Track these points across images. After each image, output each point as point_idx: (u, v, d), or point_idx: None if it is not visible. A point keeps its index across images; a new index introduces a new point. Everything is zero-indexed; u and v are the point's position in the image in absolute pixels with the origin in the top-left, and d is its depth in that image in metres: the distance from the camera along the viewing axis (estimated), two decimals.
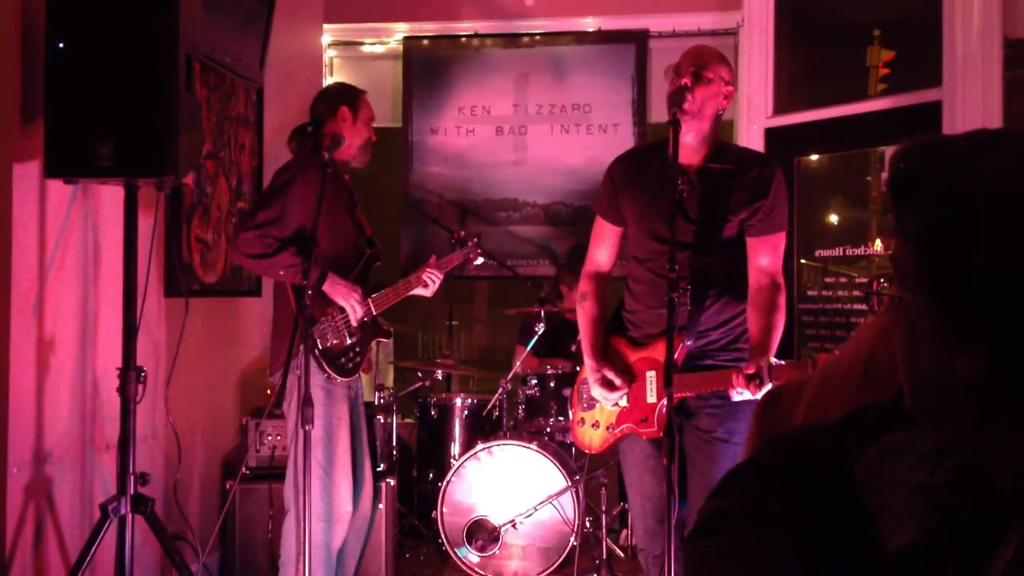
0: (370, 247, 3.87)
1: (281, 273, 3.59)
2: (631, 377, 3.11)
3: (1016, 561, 0.74)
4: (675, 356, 2.79)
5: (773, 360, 2.82)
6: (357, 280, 3.72)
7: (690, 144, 3.00)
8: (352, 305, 3.64)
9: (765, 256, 3.03)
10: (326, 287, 3.61)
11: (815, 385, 1.23)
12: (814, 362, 2.77)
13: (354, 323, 3.67)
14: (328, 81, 6.14)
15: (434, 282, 3.83)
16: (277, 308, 3.75)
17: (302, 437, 3.30)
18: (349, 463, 3.65)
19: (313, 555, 3.43)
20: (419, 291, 3.84)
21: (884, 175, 0.91)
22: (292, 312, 3.54)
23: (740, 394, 2.82)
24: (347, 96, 3.83)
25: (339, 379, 3.62)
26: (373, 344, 3.88)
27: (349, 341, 3.67)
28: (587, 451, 3.35)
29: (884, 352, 1.18)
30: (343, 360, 3.66)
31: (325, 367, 3.60)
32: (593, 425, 3.23)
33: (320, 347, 3.61)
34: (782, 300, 3.00)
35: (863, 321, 1.34)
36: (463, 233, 4.11)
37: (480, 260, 4.15)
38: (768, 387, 2.75)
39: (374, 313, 3.74)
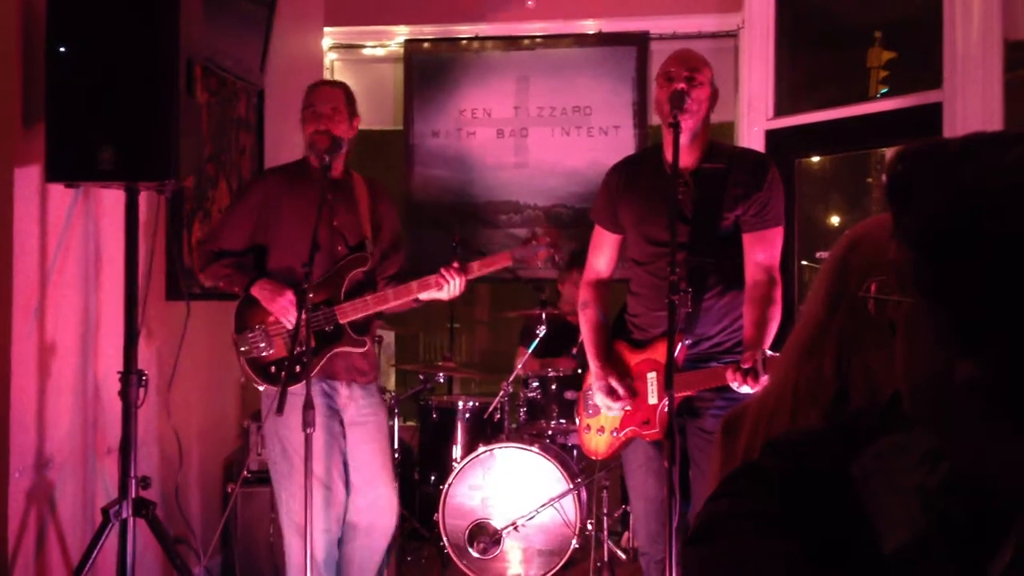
0: (355, 252, 3.59)
1: (221, 284, 3.57)
2: (632, 382, 3.12)
3: (1015, 564, 0.74)
4: (675, 355, 2.79)
5: (768, 352, 2.82)
6: (327, 286, 3.50)
7: (684, 145, 3.02)
8: (278, 310, 3.46)
9: (761, 252, 3.04)
10: (254, 291, 3.48)
11: (753, 416, 1.24)
12: None
13: (288, 327, 3.42)
14: None
15: (450, 282, 3.45)
16: None
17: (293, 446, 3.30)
18: (320, 473, 3.42)
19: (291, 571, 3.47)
20: (432, 293, 3.50)
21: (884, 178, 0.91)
22: None
23: (740, 388, 2.82)
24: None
25: (265, 387, 3.48)
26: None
27: (293, 351, 3.23)
28: (594, 457, 3.35)
29: (805, 377, 1.19)
30: (273, 369, 3.47)
31: (253, 376, 3.51)
32: (599, 431, 3.24)
33: (249, 356, 3.51)
34: (777, 294, 3.00)
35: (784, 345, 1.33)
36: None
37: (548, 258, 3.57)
38: (765, 378, 2.76)
39: (339, 321, 3.48)
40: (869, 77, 5.11)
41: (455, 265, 3.47)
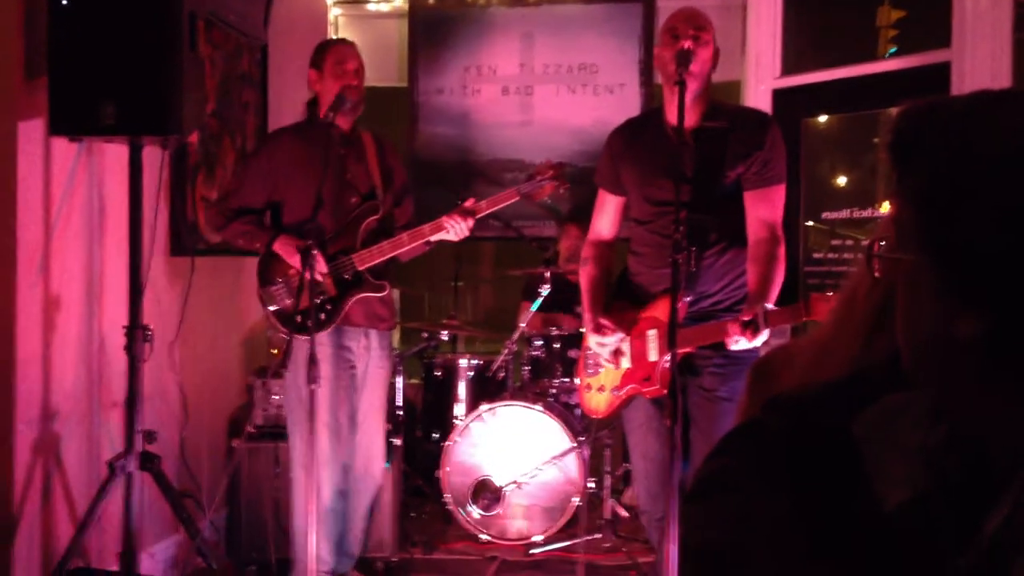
0: (368, 201, 3.71)
1: (240, 241, 3.67)
2: (634, 328, 3.13)
3: (1009, 522, 0.74)
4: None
5: (769, 306, 2.82)
6: (343, 236, 3.62)
7: (687, 104, 3.00)
8: (300, 263, 3.44)
9: (763, 209, 3.04)
10: (276, 246, 3.60)
11: (801, 370, 1.21)
12: (807, 304, 2.74)
13: (318, 278, 3.49)
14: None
15: (457, 225, 3.56)
16: None
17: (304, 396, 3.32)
18: (329, 422, 3.61)
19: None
20: (443, 235, 3.60)
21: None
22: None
23: (736, 343, 2.81)
24: (313, 58, 3.76)
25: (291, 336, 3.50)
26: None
27: (316, 300, 3.45)
28: (594, 416, 3.37)
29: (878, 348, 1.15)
30: (299, 319, 3.45)
31: (279, 325, 3.62)
32: (599, 389, 3.25)
33: (274, 307, 3.63)
34: (781, 252, 3.01)
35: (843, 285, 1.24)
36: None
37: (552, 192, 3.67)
38: (765, 333, 2.77)
39: (358, 269, 3.60)
40: (878, 36, 5.06)
41: (464, 206, 3.61)
